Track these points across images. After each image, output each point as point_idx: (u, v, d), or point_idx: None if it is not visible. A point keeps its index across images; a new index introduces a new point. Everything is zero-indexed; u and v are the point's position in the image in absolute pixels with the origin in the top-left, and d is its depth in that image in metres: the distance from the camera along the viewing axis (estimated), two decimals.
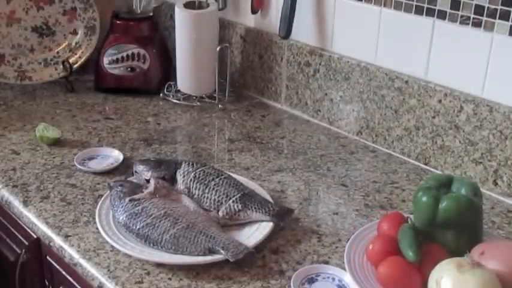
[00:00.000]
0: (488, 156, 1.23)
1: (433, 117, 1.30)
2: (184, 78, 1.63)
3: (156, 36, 1.70)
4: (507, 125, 1.18)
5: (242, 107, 1.62)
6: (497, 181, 1.23)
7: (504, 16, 1.16)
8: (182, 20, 1.58)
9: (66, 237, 1.09)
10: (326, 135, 1.48)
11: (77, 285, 1.14)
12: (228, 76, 1.61)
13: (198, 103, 1.62)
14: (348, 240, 1.05)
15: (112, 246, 1.05)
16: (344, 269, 0.98)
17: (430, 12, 1.26)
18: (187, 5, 1.59)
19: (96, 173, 1.28)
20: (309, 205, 1.20)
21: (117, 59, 1.65)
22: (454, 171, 1.29)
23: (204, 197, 1.15)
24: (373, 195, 1.24)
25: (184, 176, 1.18)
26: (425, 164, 1.34)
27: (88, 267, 1.02)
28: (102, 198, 1.16)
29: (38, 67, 1.73)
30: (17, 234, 1.28)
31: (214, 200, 1.14)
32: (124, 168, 1.30)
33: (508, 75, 1.18)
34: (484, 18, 1.18)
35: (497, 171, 1.22)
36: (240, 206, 1.12)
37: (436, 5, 1.25)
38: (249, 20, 1.63)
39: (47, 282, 1.26)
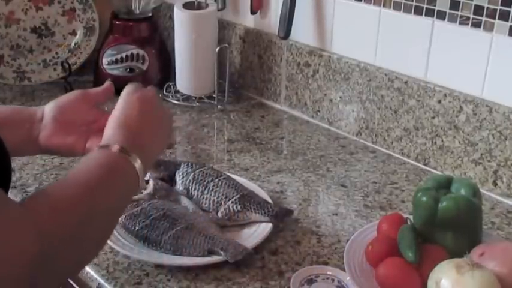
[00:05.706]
0: (487, 157, 1.22)
1: (433, 117, 1.29)
2: (184, 79, 1.63)
3: (155, 36, 1.70)
4: (507, 125, 1.18)
5: (241, 107, 1.62)
6: (496, 182, 1.23)
7: (503, 16, 1.15)
8: (181, 20, 1.57)
9: None
10: (325, 135, 1.48)
11: (75, 286, 1.13)
12: (228, 77, 1.61)
13: (198, 104, 1.62)
14: (348, 241, 1.04)
15: (111, 247, 1.04)
16: (343, 270, 0.98)
17: (429, 13, 1.26)
18: (186, 6, 1.59)
19: None
20: (308, 206, 1.20)
21: (116, 59, 1.65)
22: (454, 172, 1.28)
23: (203, 197, 1.14)
24: (372, 196, 1.23)
25: (183, 177, 1.18)
26: (425, 165, 1.34)
27: (87, 268, 1.02)
28: None
29: (37, 68, 1.73)
30: None
31: (214, 200, 1.13)
32: None
33: (507, 76, 1.18)
34: (484, 19, 1.18)
35: (496, 171, 1.22)
36: (239, 207, 1.11)
37: (435, 5, 1.24)
38: (249, 21, 1.63)
39: None
